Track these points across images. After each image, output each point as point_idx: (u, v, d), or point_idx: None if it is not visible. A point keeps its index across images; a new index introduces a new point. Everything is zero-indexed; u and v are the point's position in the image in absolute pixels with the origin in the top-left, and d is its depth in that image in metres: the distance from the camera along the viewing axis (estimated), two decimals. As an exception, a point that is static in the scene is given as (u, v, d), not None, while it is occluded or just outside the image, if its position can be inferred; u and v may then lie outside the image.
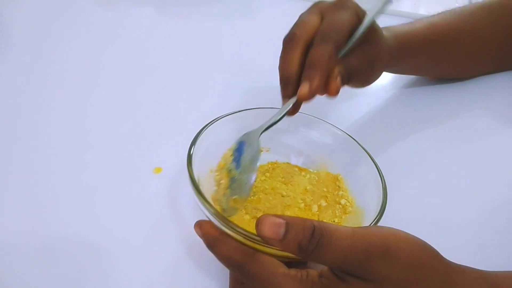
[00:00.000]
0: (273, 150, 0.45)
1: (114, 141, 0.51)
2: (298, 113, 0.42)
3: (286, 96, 0.39)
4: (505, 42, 0.58)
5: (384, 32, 0.47)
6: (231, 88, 0.60)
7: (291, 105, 0.38)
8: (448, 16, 0.57)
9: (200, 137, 0.39)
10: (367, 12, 0.40)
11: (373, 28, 0.42)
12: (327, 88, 0.38)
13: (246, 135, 0.38)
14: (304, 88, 0.37)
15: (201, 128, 0.40)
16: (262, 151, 0.41)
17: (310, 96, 0.37)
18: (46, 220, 0.41)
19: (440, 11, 0.58)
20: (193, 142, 0.38)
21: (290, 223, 0.28)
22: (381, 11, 0.37)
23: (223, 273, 0.36)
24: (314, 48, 0.38)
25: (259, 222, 0.28)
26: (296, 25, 0.40)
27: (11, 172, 0.46)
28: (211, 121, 0.41)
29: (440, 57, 0.57)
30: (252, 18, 0.79)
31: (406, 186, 0.47)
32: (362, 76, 0.44)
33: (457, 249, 0.32)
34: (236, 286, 0.34)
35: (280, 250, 0.29)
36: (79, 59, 0.65)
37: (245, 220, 0.39)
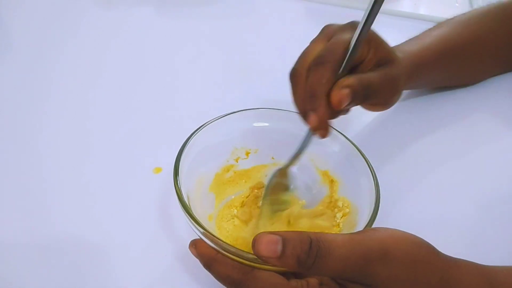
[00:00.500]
0: (261, 151, 0.44)
1: (114, 141, 0.51)
2: (286, 111, 0.42)
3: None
4: (507, 48, 0.58)
5: (398, 54, 0.45)
6: (231, 88, 0.60)
7: (309, 137, 0.38)
8: (456, 25, 0.56)
9: (185, 150, 0.38)
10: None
11: (386, 50, 0.41)
12: (331, 101, 0.36)
13: (278, 171, 0.40)
14: (312, 121, 0.36)
15: (185, 139, 0.39)
16: (249, 152, 0.44)
17: (320, 125, 0.37)
18: (44, 221, 0.41)
19: (439, 17, 0.58)
20: (178, 158, 0.37)
21: (286, 238, 0.27)
22: (372, 15, 0.34)
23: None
24: (310, 76, 0.37)
25: (255, 242, 0.28)
26: (299, 58, 0.40)
27: (10, 172, 0.46)
28: (196, 129, 0.40)
29: (451, 69, 0.56)
30: (252, 18, 0.79)
31: (407, 188, 0.47)
32: (383, 96, 0.42)
33: (457, 249, 0.32)
34: None
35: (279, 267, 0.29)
36: (79, 59, 0.65)
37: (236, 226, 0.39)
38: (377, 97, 0.40)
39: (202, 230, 0.32)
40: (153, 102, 0.57)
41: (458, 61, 0.56)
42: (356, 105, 0.39)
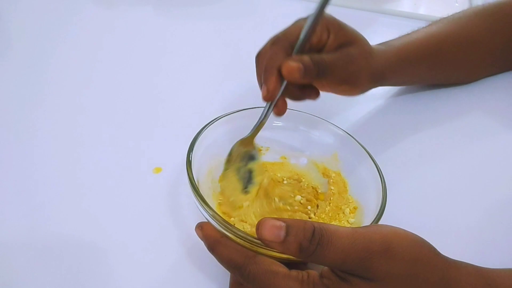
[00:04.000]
0: (272, 150, 0.45)
1: (114, 141, 0.51)
2: (299, 112, 0.44)
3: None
4: (502, 47, 0.58)
5: (381, 46, 0.48)
6: (231, 88, 0.60)
7: (267, 107, 0.40)
8: (445, 24, 0.57)
9: (199, 139, 0.39)
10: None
11: (347, 33, 0.43)
12: (282, 72, 0.38)
13: (241, 141, 0.40)
14: (263, 91, 0.39)
15: (199, 130, 0.40)
16: (261, 150, 0.44)
17: (271, 95, 0.39)
18: (44, 222, 0.41)
19: (439, 17, 0.58)
20: (192, 145, 0.38)
21: (290, 225, 0.28)
22: (324, 3, 0.37)
23: (223, 274, 0.36)
24: (266, 55, 0.40)
25: (259, 226, 0.28)
26: (265, 43, 0.42)
27: (9, 173, 0.46)
28: (209, 122, 0.41)
29: (438, 66, 0.56)
30: (252, 18, 0.79)
31: (407, 186, 0.47)
32: (340, 74, 0.42)
33: (457, 249, 0.32)
34: None
35: (281, 253, 0.29)
36: (79, 59, 0.65)
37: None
38: (332, 74, 0.41)
39: (211, 212, 0.33)
40: (153, 101, 0.57)
41: (447, 58, 0.56)
42: (311, 80, 0.40)
